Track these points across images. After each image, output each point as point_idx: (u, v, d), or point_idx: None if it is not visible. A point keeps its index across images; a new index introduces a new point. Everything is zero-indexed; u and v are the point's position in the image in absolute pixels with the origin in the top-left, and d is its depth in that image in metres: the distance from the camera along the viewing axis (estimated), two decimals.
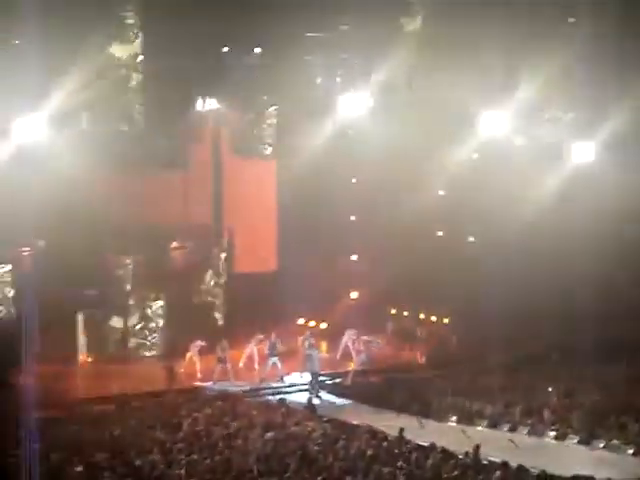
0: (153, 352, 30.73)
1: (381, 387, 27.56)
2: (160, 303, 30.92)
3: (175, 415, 23.16)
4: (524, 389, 26.25)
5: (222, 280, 32.34)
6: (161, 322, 30.83)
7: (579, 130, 31.62)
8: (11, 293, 29.54)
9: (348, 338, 30.05)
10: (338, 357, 29.89)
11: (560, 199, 31.25)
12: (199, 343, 28.51)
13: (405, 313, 33.61)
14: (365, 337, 29.94)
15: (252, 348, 28.97)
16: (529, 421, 24.14)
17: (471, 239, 34.76)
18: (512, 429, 24.03)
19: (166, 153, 31.09)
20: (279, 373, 28.22)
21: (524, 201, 31.35)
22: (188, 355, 28.51)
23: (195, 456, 19.19)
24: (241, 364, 28.91)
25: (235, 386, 27.36)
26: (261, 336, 28.96)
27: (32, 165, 28.15)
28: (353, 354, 29.66)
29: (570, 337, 28.72)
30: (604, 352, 27.54)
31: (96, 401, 25.23)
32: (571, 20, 30.44)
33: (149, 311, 30.70)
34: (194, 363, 28.42)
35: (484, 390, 26.16)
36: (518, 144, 32.06)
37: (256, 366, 28.73)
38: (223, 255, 32.48)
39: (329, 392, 27.64)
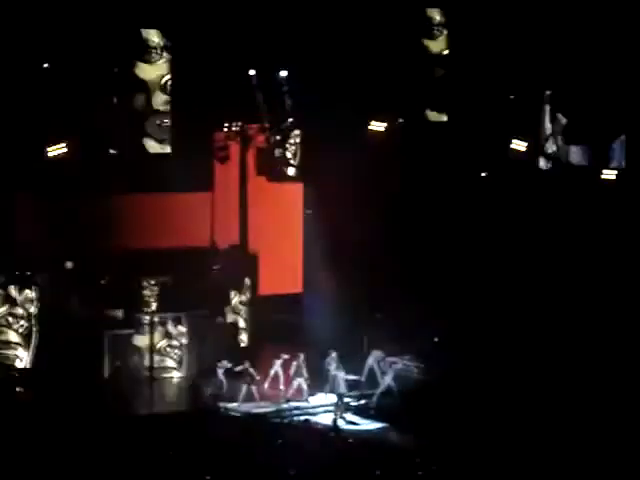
0: (178, 372, 30.76)
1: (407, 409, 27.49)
2: (184, 324, 30.95)
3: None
4: None
5: (248, 301, 32.34)
6: (185, 342, 30.83)
7: None
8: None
9: (374, 360, 29.91)
10: (363, 379, 29.76)
11: None
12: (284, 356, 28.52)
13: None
14: (392, 358, 29.82)
15: (277, 369, 28.95)
16: None
17: None
18: None
19: (193, 175, 31.25)
20: (305, 394, 28.18)
21: None
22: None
23: None
24: (266, 385, 28.90)
25: (260, 407, 27.38)
26: (287, 356, 28.92)
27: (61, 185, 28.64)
28: (378, 376, 29.54)
29: None
30: None
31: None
32: None
33: (174, 332, 30.72)
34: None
35: None
36: None
37: (281, 387, 28.72)
38: (248, 277, 32.53)
39: (354, 413, 27.60)
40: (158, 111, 29.85)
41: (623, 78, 31.56)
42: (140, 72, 29.68)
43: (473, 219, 33.62)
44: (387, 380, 28.91)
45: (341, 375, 28.20)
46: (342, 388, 27.96)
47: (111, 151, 29.39)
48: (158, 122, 29.74)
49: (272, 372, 28.91)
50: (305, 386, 28.15)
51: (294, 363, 28.36)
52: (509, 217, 33.40)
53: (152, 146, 29.87)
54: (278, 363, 28.88)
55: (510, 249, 33.11)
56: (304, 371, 28.13)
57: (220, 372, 28.42)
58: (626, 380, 27.51)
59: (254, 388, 27.76)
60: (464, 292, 32.21)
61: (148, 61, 29.62)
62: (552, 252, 32.67)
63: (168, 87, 29.87)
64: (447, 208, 33.43)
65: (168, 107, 29.86)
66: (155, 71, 29.85)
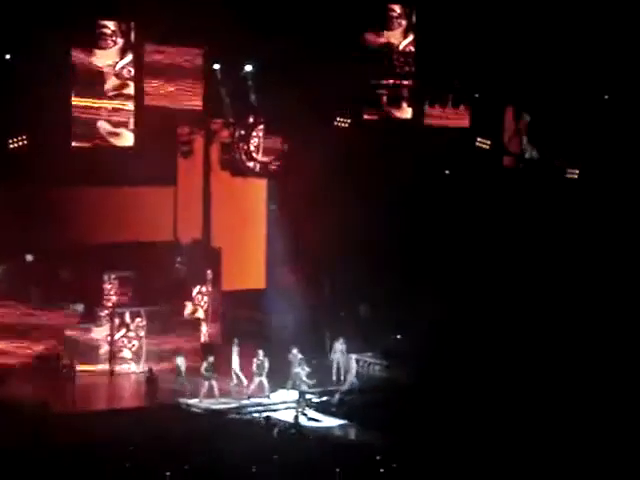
0: (135, 366, 30.47)
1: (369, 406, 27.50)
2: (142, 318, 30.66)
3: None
4: None
5: (210, 296, 32.20)
6: (144, 336, 30.54)
7: None
8: None
9: (340, 351, 29.81)
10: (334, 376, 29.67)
11: None
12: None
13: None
14: (354, 355, 29.77)
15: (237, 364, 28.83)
16: None
17: None
18: None
19: (156, 169, 31.07)
20: (265, 391, 28.06)
21: None
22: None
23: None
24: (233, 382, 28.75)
25: (221, 403, 27.24)
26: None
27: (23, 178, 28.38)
28: (342, 369, 29.53)
29: None
30: None
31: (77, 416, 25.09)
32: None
33: (133, 326, 30.45)
34: None
35: None
36: None
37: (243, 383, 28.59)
38: (210, 271, 32.39)
39: (317, 410, 27.53)
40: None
41: (585, 77, 31.77)
42: (96, 60, 29.47)
43: (438, 215, 33.75)
44: (350, 378, 28.88)
45: (303, 372, 28.10)
46: (303, 385, 27.87)
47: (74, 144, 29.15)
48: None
49: (234, 368, 28.75)
50: (266, 383, 28.03)
51: (255, 360, 28.21)
52: (473, 214, 33.56)
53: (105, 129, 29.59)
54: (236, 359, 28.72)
55: (475, 246, 33.28)
56: (265, 368, 27.98)
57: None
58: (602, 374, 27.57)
59: (215, 384, 27.57)
60: (428, 289, 32.29)
61: (103, 48, 29.44)
62: (517, 248, 32.90)
63: (123, 74, 29.73)
64: (413, 204, 33.50)
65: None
66: (110, 58, 29.67)
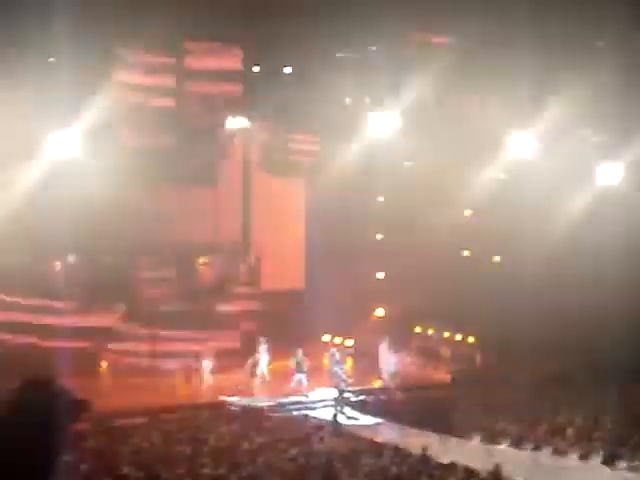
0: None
1: (405, 405, 27.65)
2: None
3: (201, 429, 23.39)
4: (549, 408, 26.26)
5: (250, 296, 32.49)
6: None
7: (607, 151, 31.68)
8: None
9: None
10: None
11: (587, 220, 31.29)
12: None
13: (430, 331, 33.71)
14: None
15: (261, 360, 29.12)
16: (553, 440, 24.15)
17: (497, 258, 34.84)
18: (536, 448, 24.05)
19: (197, 170, 31.38)
20: (304, 390, 28.35)
21: (551, 221, 31.41)
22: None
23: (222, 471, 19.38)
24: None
25: (260, 401, 27.54)
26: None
27: (65, 181, 28.62)
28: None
29: (597, 357, 28.67)
30: (631, 372, 27.50)
31: (123, 415, 25.43)
32: (600, 44, 30.57)
33: (177, 324, 30.75)
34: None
35: (508, 409, 26.19)
36: (547, 165, 32.12)
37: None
38: (250, 271, 32.66)
39: (354, 409, 27.73)
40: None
41: None
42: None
43: None
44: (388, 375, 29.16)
45: (341, 371, 28.33)
46: (342, 384, 28.10)
47: None
48: None
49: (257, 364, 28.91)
50: (305, 381, 28.31)
51: (294, 358, 28.52)
52: None
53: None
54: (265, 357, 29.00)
55: None
56: (304, 366, 28.29)
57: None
58: None
59: (259, 381, 27.92)
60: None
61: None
62: None
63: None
64: None
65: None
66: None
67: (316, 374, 29.27)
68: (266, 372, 28.86)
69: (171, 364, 29.74)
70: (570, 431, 24.37)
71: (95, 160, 28.59)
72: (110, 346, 29.94)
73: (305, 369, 28.32)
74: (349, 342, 32.75)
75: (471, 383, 29.42)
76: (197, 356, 29.15)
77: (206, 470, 19.46)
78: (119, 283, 30.45)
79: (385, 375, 29.65)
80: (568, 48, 29.32)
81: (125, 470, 19.53)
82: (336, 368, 28.33)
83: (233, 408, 27.08)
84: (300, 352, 28.51)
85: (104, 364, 29.63)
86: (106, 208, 29.34)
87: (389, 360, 29.92)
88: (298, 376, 28.25)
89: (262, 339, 29.30)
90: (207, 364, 28.56)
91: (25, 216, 28.31)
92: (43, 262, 30.12)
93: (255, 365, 28.54)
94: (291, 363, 28.56)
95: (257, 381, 28.55)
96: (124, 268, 30.64)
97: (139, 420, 24.81)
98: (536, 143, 31.34)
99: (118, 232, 30.07)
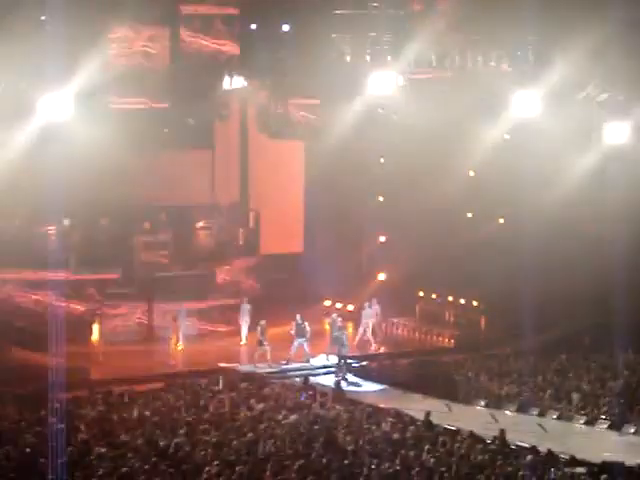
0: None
1: (409, 370, 27.27)
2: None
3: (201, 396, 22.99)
4: (554, 373, 25.87)
5: (248, 260, 32.02)
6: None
7: (614, 111, 31.07)
8: None
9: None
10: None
11: (593, 180, 30.76)
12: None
13: (433, 295, 33.24)
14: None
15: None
16: (559, 405, 23.80)
17: (501, 221, 34.31)
18: (541, 414, 23.70)
19: (193, 132, 30.80)
20: (306, 355, 27.94)
21: (557, 183, 30.87)
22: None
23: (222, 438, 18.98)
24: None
25: (260, 368, 27.14)
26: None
27: (58, 143, 28.03)
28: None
29: (603, 321, 28.22)
30: (638, 337, 27.08)
31: (123, 382, 25.02)
32: None
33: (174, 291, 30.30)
34: None
35: (513, 374, 25.82)
36: (551, 125, 31.54)
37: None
38: (248, 234, 32.19)
39: (356, 375, 27.38)
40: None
41: None
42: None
43: None
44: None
45: (343, 336, 27.93)
46: (344, 349, 27.68)
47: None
48: None
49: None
50: (307, 347, 27.87)
51: (294, 323, 28.02)
52: None
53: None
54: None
55: None
56: (305, 332, 27.83)
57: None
58: None
59: (267, 348, 27.49)
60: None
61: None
62: None
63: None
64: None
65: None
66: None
67: (318, 340, 28.84)
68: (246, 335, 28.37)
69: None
70: (576, 396, 24.00)
71: (89, 123, 27.97)
72: (105, 311, 29.41)
73: (306, 334, 27.86)
74: (350, 307, 32.27)
75: (475, 348, 29.03)
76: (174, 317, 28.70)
77: (205, 437, 19.09)
78: (115, 247, 29.97)
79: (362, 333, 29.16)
80: (573, 1, 28.69)
81: (123, 437, 19.20)
82: (337, 333, 27.91)
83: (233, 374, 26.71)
84: (299, 317, 28.01)
85: (99, 330, 29.09)
86: (101, 172, 28.80)
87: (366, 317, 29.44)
88: (298, 341, 27.81)
89: (245, 299, 28.86)
90: (183, 324, 28.08)
91: (18, 180, 27.76)
92: (37, 226, 29.54)
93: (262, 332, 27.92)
94: (291, 328, 28.09)
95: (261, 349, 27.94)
96: (120, 232, 30.14)
97: (136, 387, 24.36)
98: (540, 102, 30.68)
99: (114, 196, 29.54)
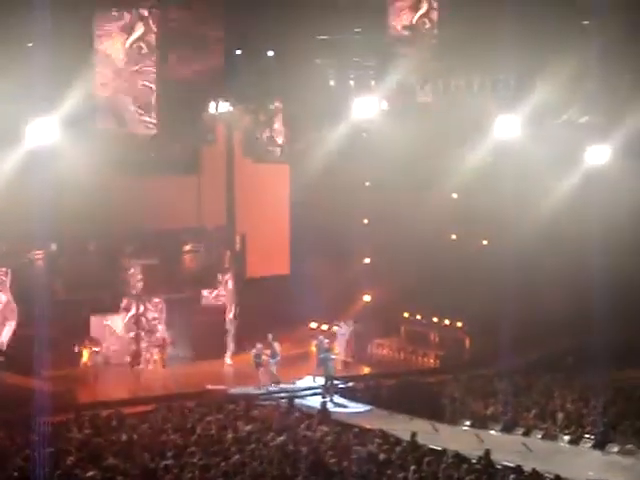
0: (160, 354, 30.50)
1: (394, 391, 27.45)
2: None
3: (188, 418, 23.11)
4: (538, 393, 26.10)
5: (234, 283, 32.15)
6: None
7: (594, 134, 31.46)
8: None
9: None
10: None
11: (575, 202, 31.11)
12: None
13: (418, 316, 33.47)
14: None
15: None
16: (543, 425, 24.02)
17: (485, 242, 34.62)
18: (526, 433, 23.91)
19: (179, 156, 31.03)
20: (273, 377, 27.93)
21: (539, 204, 31.22)
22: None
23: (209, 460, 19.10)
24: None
25: (247, 390, 27.27)
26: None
27: (45, 168, 28.15)
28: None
29: (586, 340, 28.50)
30: (620, 356, 27.36)
31: (110, 404, 25.11)
32: (586, 22, 30.30)
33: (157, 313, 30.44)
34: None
35: (498, 394, 26.03)
36: (532, 147, 31.90)
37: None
38: (234, 257, 32.34)
39: (342, 396, 27.53)
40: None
41: None
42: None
43: None
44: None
45: (329, 357, 28.10)
46: (331, 370, 27.87)
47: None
48: None
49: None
50: (274, 369, 27.83)
51: (275, 344, 28.11)
52: None
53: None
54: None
55: None
56: (276, 353, 27.86)
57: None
58: None
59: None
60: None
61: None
62: None
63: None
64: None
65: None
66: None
67: (304, 362, 29.01)
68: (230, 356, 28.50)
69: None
70: (560, 415, 24.23)
71: (76, 148, 28.15)
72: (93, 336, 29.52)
73: (276, 356, 27.85)
74: (336, 329, 32.44)
75: (460, 368, 29.24)
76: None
77: (193, 459, 19.20)
78: (102, 271, 30.07)
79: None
80: (553, 27, 29.06)
81: (111, 461, 19.29)
82: (324, 355, 28.09)
83: (220, 396, 26.85)
84: (270, 337, 28.12)
85: (86, 353, 29.16)
86: (88, 196, 28.95)
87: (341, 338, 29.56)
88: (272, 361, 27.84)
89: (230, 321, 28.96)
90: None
91: (5, 204, 27.88)
92: (24, 251, 29.62)
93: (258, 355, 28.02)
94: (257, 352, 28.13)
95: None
96: (107, 256, 30.25)
97: (124, 410, 24.45)
98: (522, 125, 31.04)
99: (100, 220, 29.69)
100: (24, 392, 23.80)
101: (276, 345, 28.07)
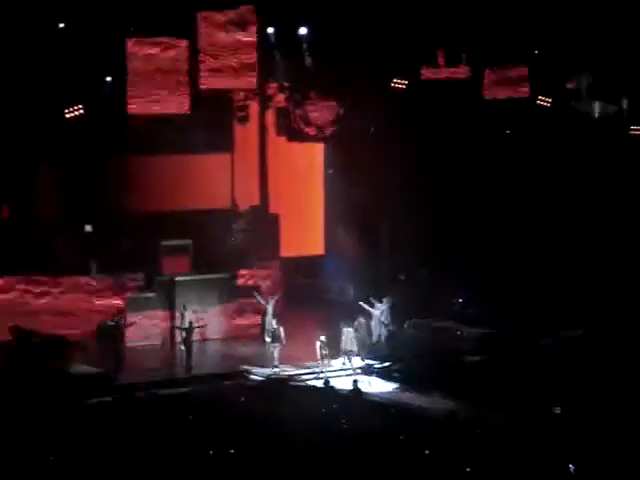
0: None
1: (430, 370, 27.22)
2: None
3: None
4: None
5: (269, 263, 31.96)
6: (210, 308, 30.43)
7: None
8: None
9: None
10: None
11: None
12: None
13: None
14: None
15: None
16: None
17: None
18: None
19: (213, 135, 31.00)
20: (274, 361, 27.54)
21: None
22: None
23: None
24: None
25: (282, 371, 27.15)
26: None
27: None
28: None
29: None
30: None
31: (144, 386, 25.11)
32: None
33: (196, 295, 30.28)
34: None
35: None
36: None
37: None
38: (268, 237, 32.19)
39: (379, 376, 27.37)
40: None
41: None
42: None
43: (498, 174, 33.31)
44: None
45: (366, 338, 27.96)
46: (363, 351, 27.69)
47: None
48: None
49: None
50: (277, 353, 27.51)
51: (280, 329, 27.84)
52: (536, 172, 33.13)
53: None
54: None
55: (542, 203, 32.85)
56: (281, 338, 27.56)
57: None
58: None
59: (276, 350, 27.45)
60: (486, 253, 31.93)
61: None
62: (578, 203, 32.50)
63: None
64: (471, 165, 33.00)
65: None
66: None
67: (337, 342, 28.76)
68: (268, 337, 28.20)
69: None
70: None
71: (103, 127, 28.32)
72: (128, 316, 29.49)
73: (281, 340, 27.43)
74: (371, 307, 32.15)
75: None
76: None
77: (225, 443, 19.06)
78: (137, 252, 30.08)
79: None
80: None
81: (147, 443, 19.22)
82: (360, 335, 27.89)
83: (254, 378, 26.77)
84: (275, 322, 27.80)
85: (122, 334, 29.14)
86: (121, 177, 29.05)
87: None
88: (272, 346, 27.49)
89: (266, 301, 28.76)
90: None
91: None
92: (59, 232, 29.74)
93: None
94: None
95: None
96: (141, 237, 30.24)
97: (160, 392, 24.46)
98: None
99: (134, 200, 29.77)
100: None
101: (281, 329, 27.68)
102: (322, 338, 27.19)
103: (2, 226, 29.20)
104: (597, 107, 32.98)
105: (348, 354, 27.23)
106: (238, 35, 29.31)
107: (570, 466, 16.70)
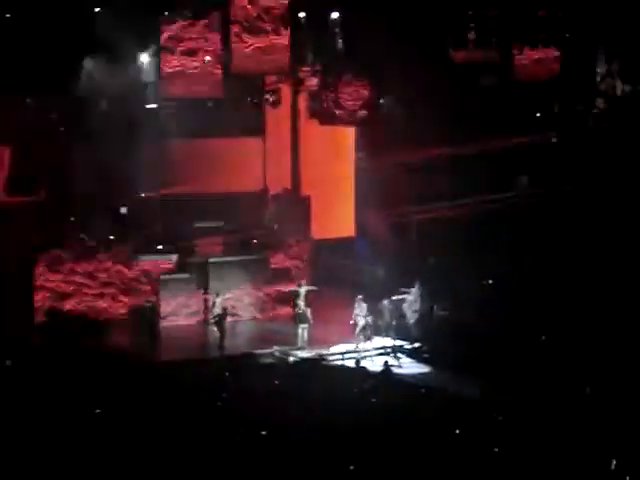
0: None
1: (459, 353, 27.33)
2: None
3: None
4: None
5: (301, 246, 32.20)
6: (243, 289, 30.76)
7: None
8: None
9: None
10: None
11: None
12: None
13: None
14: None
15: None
16: None
17: None
18: None
19: (245, 119, 31.21)
20: (302, 342, 27.66)
21: None
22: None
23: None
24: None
25: (311, 351, 27.42)
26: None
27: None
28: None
29: None
30: None
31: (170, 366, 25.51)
32: None
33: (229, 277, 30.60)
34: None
35: None
36: None
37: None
38: (300, 220, 32.40)
39: (409, 356, 27.55)
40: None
41: None
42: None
43: (526, 160, 33.27)
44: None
45: (394, 320, 28.13)
46: (394, 332, 27.91)
47: None
48: None
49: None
50: (306, 334, 27.68)
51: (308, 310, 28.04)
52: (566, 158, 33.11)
53: None
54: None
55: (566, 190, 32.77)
56: (308, 318, 27.78)
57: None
58: None
59: (305, 331, 27.70)
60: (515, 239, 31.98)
61: None
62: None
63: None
64: (503, 150, 32.95)
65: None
66: None
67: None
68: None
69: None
70: None
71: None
72: (161, 297, 29.89)
73: (309, 321, 27.64)
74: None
75: None
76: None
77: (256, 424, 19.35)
78: (170, 235, 30.43)
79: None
80: None
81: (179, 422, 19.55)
82: (389, 317, 28.10)
83: (284, 358, 27.04)
84: (302, 303, 27.99)
85: (157, 315, 29.55)
86: (154, 160, 29.35)
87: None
88: (301, 327, 27.58)
89: (300, 284, 28.99)
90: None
91: None
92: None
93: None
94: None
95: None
96: (175, 220, 30.59)
97: (194, 371, 24.79)
98: None
99: (167, 183, 30.08)
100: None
101: (309, 311, 27.86)
102: (368, 320, 27.47)
103: (40, 208, 29.61)
104: (619, 86, 32.88)
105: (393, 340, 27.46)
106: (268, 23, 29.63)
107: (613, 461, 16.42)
